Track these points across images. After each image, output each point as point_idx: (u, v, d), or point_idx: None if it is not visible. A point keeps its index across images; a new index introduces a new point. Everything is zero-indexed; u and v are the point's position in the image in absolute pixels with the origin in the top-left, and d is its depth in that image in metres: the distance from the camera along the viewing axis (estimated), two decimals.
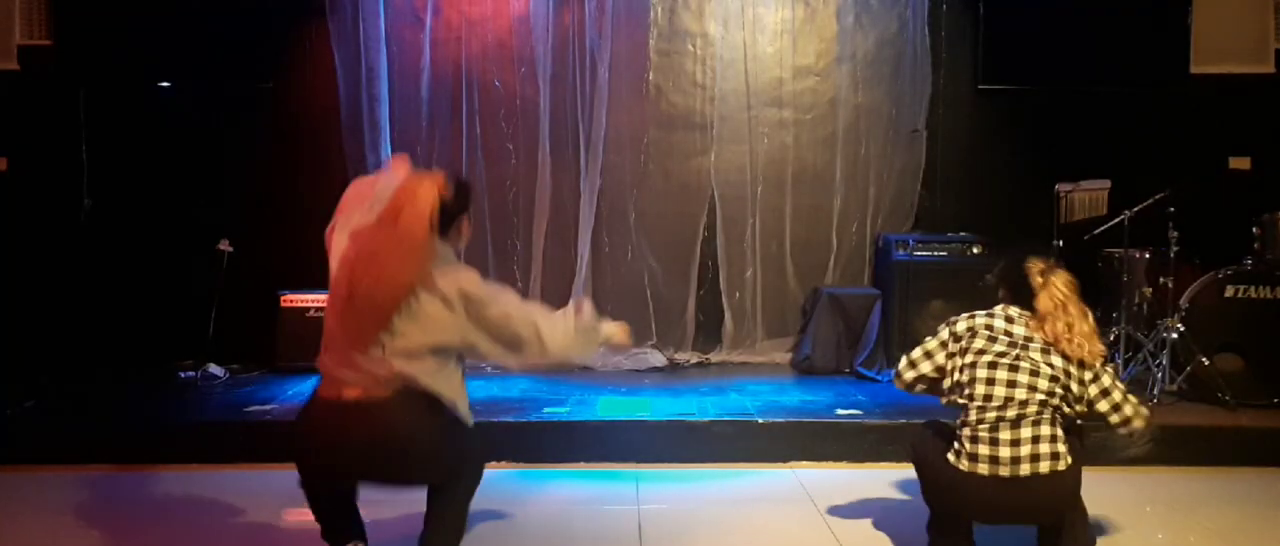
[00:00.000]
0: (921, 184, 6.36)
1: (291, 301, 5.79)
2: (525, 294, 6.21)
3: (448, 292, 2.73)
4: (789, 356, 6.27)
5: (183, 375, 5.70)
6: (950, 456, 3.05)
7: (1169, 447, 4.53)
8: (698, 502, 4.05)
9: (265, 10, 6.03)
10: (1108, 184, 5.43)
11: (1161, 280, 5.23)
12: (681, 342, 6.30)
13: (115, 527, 3.66)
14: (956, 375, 3.07)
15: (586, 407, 4.95)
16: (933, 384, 3.16)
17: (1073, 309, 3.01)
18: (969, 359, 3.04)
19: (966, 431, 3.02)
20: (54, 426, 4.74)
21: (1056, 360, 2.97)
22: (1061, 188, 5.50)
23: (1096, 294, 5.46)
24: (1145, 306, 5.36)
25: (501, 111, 6.23)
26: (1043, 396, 2.95)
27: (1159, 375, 4.92)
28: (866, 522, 3.74)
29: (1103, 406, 3.03)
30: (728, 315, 6.32)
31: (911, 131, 6.32)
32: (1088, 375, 3.00)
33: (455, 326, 2.74)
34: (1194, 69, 6.19)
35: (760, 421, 4.69)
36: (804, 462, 4.54)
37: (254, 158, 6.20)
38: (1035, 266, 3.08)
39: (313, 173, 6.19)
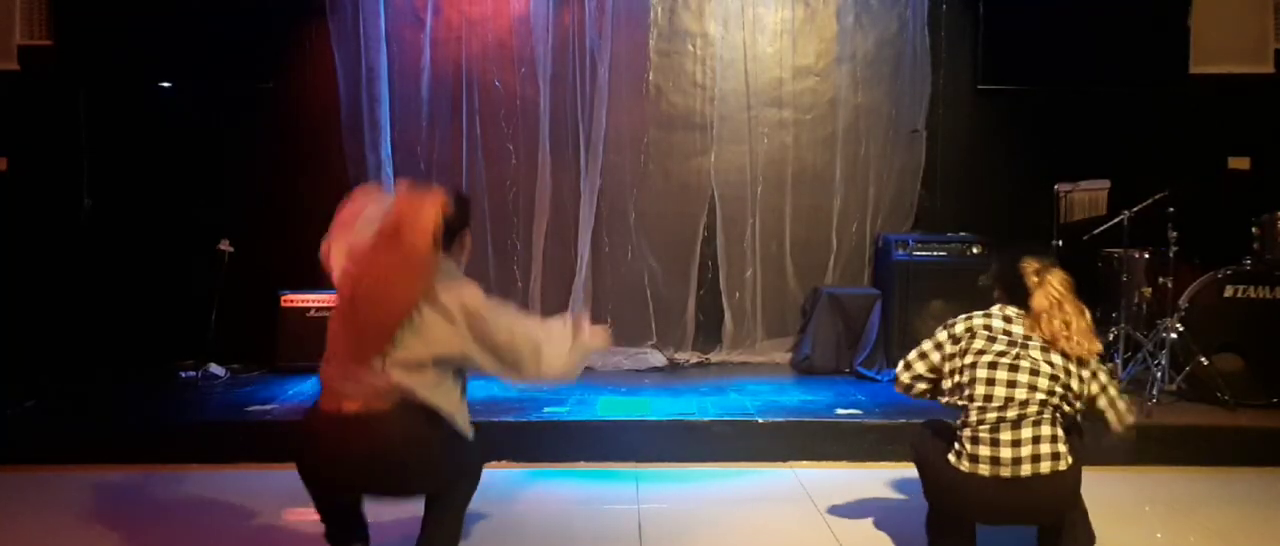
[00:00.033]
0: (921, 184, 6.36)
1: (292, 301, 5.80)
2: (525, 294, 6.23)
3: (450, 308, 2.75)
4: (789, 356, 6.27)
5: (183, 375, 5.71)
6: (951, 457, 3.05)
7: (1168, 447, 4.55)
8: (698, 502, 4.06)
9: (265, 10, 6.03)
10: (1107, 184, 5.43)
11: (1161, 280, 5.23)
12: (681, 342, 6.30)
13: (115, 527, 3.66)
14: (956, 376, 3.07)
15: (586, 407, 4.95)
16: (932, 385, 3.17)
17: (1069, 306, 3.01)
18: (969, 359, 3.04)
19: (967, 432, 3.02)
20: (54, 426, 4.74)
21: (1056, 358, 2.98)
22: (1061, 188, 5.51)
23: (1096, 294, 5.47)
24: (1144, 306, 5.37)
25: (501, 111, 6.23)
26: (1043, 395, 2.95)
27: (1158, 375, 4.92)
28: (866, 522, 3.74)
29: (1101, 403, 3.06)
30: (728, 315, 6.33)
31: (911, 131, 6.33)
32: (1086, 372, 3.01)
33: (457, 341, 2.76)
34: (1193, 69, 6.20)
35: (760, 421, 4.70)
36: (804, 462, 4.55)
37: (254, 158, 6.20)
38: (1030, 266, 3.09)
39: (313, 173, 6.19)
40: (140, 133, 6.15)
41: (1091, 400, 3.04)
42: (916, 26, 6.29)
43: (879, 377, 5.71)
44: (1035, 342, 3.00)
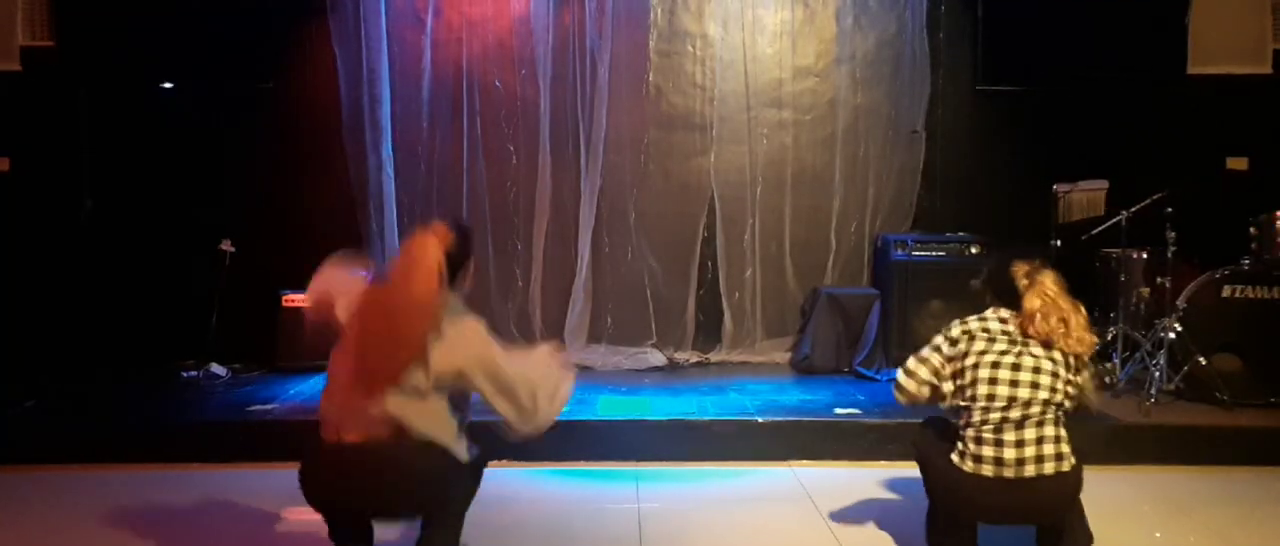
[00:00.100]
0: (920, 184, 6.37)
1: (292, 301, 5.79)
2: (526, 294, 6.24)
3: (454, 342, 2.79)
4: (788, 356, 6.28)
5: (184, 375, 5.71)
6: (954, 457, 3.06)
7: (1167, 447, 4.56)
8: (698, 502, 4.07)
9: (265, 10, 6.03)
10: (1105, 184, 5.44)
11: (1159, 280, 5.24)
12: (681, 342, 6.30)
13: (115, 527, 3.67)
14: (957, 378, 3.08)
15: (586, 407, 4.96)
16: (934, 391, 3.15)
17: (1064, 304, 3.03)
18: (970, 361, 3.04)
19: (970, 432, 3.02)
20: (54, 426, 4.74)
21: (1056, 355, 3.00)
22: (1059, 188, 5.52)
23: (1094, 294, 5.49)
24: (1143, 306, 5.38)
25: (502, 112, 6.24)
26: (1046, 394, 2.96)
27: (1156, 375, 4.93)
28: (866, 521, 3.75)
29: (1088, 389, 3.10)
30: (727, 315, 6.33)
31: (910, 132, 6.33)
32: (1079, 365, 3.04)
33: (459, 374, 2.80)
34: (1192, 69, 6.20)
35: (760, 421, 4.71)
36: (804, 462, 4.56)
37: (255, 158, 6.21)
38: (1020, 269, 3.10)
39: (313, 173, 6.21)
40: (141, 133, 6.15)
41: (1080, 389, 3.06)
42: (916, 27, 6.30)
43: (878, 377, 5.72)
44: (1034, 342, 3.02)
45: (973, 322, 3.12)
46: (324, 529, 2.94)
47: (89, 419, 4.87)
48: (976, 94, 6.37)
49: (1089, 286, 5.25)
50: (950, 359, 3.10)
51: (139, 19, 5.98)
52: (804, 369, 5.99)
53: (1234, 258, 5.20)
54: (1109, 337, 5.24)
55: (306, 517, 2.89)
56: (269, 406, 4.97)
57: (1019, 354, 3.00)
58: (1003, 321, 3.08)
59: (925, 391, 3.16)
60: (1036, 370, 2.98)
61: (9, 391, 5.15)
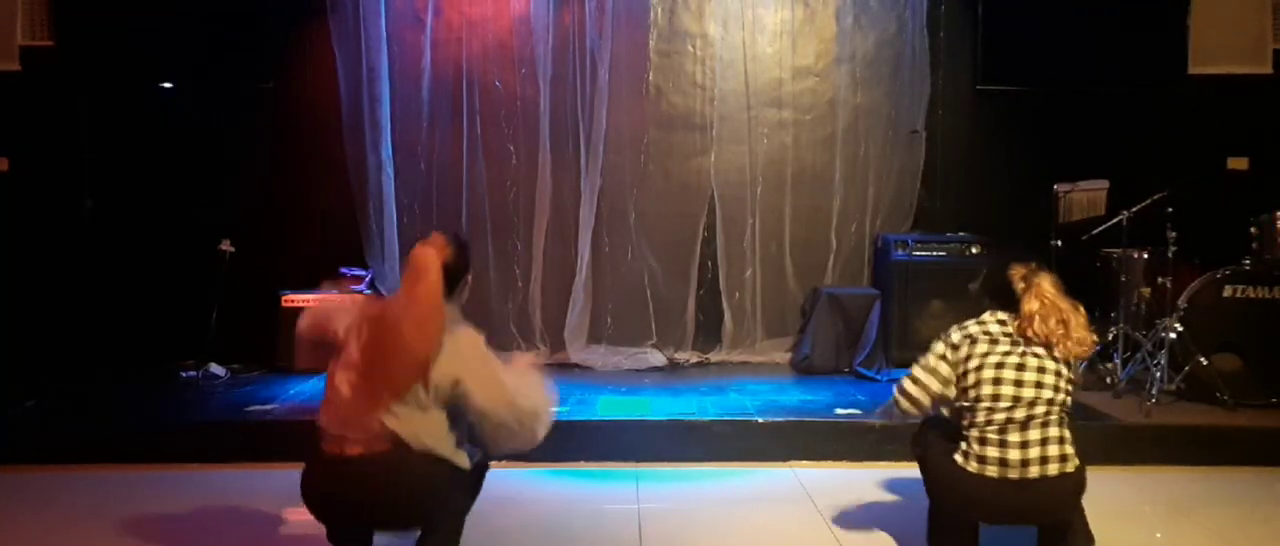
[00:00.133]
0: (921, 184, 6.37)
1: (292, 301, 5.78)
2: (525, 294, 6.24)
3: (454, 354, 2.79)
4: (788, 356, 6.28)
5: (184, 375, 5.71)
6: (958, 457, 3.05)
7: (1167, 447, 4.55)
8: (698, 502, 4.06)
9: (265, 10, 6.03)
10: (1106, 184, 5.44)
11: (1160, 280, 5.24)
12: (681, 342, 6.30)
13: (115, 527, 3.67)
14: (961, 381, 3.07)
15: (586, 407, 4.96)
16: (940, 398, 3.14)
17: (1063, 305, 3.03)
18: (974, 363, 3.04)
19: (975, 433, 3.02)
20: (54, 426, 4.74)
21: (1058, 354, 3.00)
22: (1060, 188, 5.52)
23: (1095, 294, 5.47)
24: (1143, 306, 5.37)
25: (502, 112, 6.23)
26: (1050, 393, 2.96)
27: (1157, 375, 4.92)
28: (866, 522, 3.75)
29: (1077, 385, 3.10)
30: (727, 315, 6.33)
31: (910, 132, 6.33)
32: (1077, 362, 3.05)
33: (457, 386, 2.80)
34: (1192, 69, 6.20)
35: (760, 421, 4.70)
36: (804, 462, 4.55)
37: (254, 158, 6.21)
38: (1017, 272, 3.10)
39: (313, 173, 6.21)
40: (141, 133, 6.15)
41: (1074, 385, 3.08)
42: (916, 27, 6.30)
43: (878, 377, 5.71)
44: (1036, 344, 3.01)
45: (972, 326, 3.12)
46: (323, 530, 2.95)
47: (88, 419, 4.87)
48: (976, 94, 6.36)
49: (1090, 286, 5.23)
50: (955, 363, 3.09)
51: (139, 19, 5.98)
52: (804, 369, 5.98)
53: (1235, 258, 5.20)
54: (1110, 337, 5.24)
55: (306, 518, 2.90)
56: (268, 406, 4.97)
57: (1023, 354, 3.00)
58: (1002, 324, 3.08)
59: (928, 401, 3.14)
60: (1041, 370, 2.98)
61: (9, 391, 5.15)
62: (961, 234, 6.02)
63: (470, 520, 3.06)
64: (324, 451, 2.82)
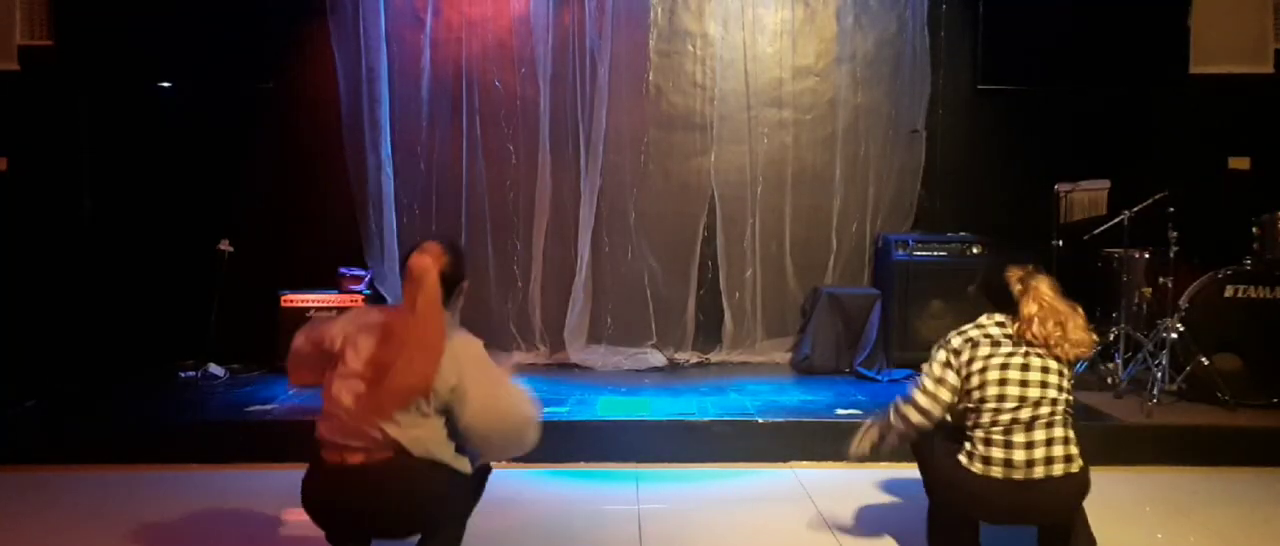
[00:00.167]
0: (921, 184, 6.36)
1: (291, 301, 5.79)
2: (525, 294, 6.23)
3: (453, 360, 2.79)
4: (789, 356, 6.27)
5: (183, 375, 5.71)
6: (962, 458, 3.04)
7: (1168, 447, 4.55)
8: (697, 502, 4.06)
9: (265, 10, 6.03)
10: (1107, 184, 5.44)
11: (1161, 280, 5.23)
12: (681, 342, 6.30)
13: (114, 527, 3.67)
14: (965, 384, 3.06)
15: (586, 407, 4.95)
16: (950, 408, 3.10)
17: (1062, 307, 3.02)
18: (977, 366, 3.03)
19: (979, 434, 3.00)
20: (54, 426, 4.74)
21: (1058, 354, 2.99)
22: (1061, 188, 5.51)
23: (1096, 294, 5.48)
24: (1145, 306, 5.37)
25: (502, 112, 6.23)
26: (1054, 394, 2.96)
27: (1158, 375, 4.92)
28: (866, 522, 3.75)
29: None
30: (728, 315, 6.33)
31: (911, 131, 6.33)
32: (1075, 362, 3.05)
33: (454, 391, 2.79)
34: (1193, 69, 6.20)
35: (760, 421, 4.70)
36: (804, 462, 4.55)
37: (254, 158, 6.20)
38: (1014, 274, 3.09)
39: (313, 173, 6.20)
40: (140, 133, 6.15)
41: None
42: (916, 27, 6.29)
43: (879, 377, 5.71)
44: (1036, 345, 3.01)
45: (971, 330, 3.11)
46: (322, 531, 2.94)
47: (88, 419, 4.86)
48: (977, 93, 6.36)
49: (1091, 286, 5.24)
50: (958, 368, 3.08)
51: (139, 19, 5.98)
52: (804, 369, 5.98)
53: (1236, 257, 5.20)
54: (1111, 338, 5.23)
55: (305, 518, 2.89)
56: (268, 407, 4.97)
57: (1026, 355, 3.00)
58: (1001, 325, 3.07)
59: (940, 412, 3.09)
60: (1044, 370, 2.97)
61: (9, 391, 5.14)
62: (962, 234, 6.01)
63: (470, 520, 3.06)
64: (325, 460, 2.82)
